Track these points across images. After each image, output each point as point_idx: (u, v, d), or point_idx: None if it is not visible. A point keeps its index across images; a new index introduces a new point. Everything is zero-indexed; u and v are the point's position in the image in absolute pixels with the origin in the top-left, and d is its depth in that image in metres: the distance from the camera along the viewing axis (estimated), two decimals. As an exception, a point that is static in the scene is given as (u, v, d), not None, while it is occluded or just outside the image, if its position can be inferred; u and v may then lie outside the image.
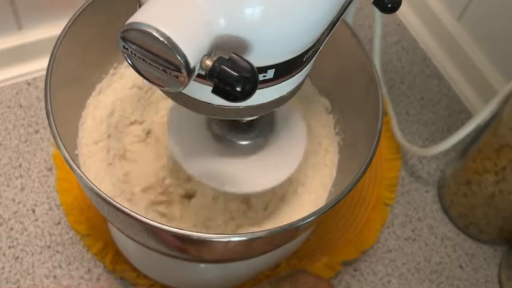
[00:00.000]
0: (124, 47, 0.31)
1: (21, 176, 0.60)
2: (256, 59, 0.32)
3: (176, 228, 0.38)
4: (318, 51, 0.37)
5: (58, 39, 0.45)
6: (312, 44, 0.35)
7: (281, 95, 0.37)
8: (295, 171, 0.50)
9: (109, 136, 0.51)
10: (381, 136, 0.45)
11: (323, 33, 0.35)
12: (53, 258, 0.56)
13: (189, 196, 0.50)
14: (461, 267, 0.61)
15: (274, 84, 0.35)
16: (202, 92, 0.35)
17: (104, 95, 0.53)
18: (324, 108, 0.55)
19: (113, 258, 0.56)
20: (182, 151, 0.47)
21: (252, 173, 0.47)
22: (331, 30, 0.37)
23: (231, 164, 0.47)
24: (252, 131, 0.48)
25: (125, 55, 0.31)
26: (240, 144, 0.47)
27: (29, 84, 0.66)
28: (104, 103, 0.52)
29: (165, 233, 0.40)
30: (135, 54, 0.31)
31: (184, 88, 0.31)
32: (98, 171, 0.50)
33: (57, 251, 0.57)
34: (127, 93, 0.54)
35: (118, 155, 0.51)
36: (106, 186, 0.49)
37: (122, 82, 0.54)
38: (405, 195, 0.65)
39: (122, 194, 0.49)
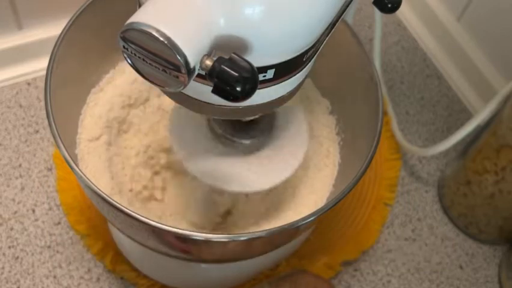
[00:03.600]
0: (124, 47, 0.31)
1: (21, 176, 0.60)
2: (256, 59, 0.32)
3: (176, 228, 0.38)
4: (318, 51, 0.37)
5: (58, 39, 0.45)
6: (312, 44, 0.35)
7: (281, 95, 0.37)
8: (296, 171, 0.50)
9: (108, 132, 0.51)
10: (381, 136, 0.45)
11: (323, 33, 0.35)
12: (53, 258, 0.56)
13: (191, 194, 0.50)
14: (461, 267, 0.61)
15: (274, 84, 0.35)
16: (202, 92, 0.35)
17: (104, 92, 0.53)
18: (325, 108, 0.55)
19: (113, 258, 0.56)
20: (184, 150, 0.47)
21: (253, 172, 0.47)
22: (331, 30, 0.37)
23: (232, 163, 0.47)
24: (253, 130, 0.48)
25: (125, 55, 0.31)
26: (241, 143, 0.47)
27: (29, 84, 0.66)
28: (104, 99, 0.53)
29: (165, 233, 0.40)
30: (135, 54, 0.31)
31: (184, 88, 0.31)
32: (96, 168, 0.50)
33: (57, 251, 0.57)
34: (127, 89, 0.54)
35: (117, 151, 0.51)
36: (104, 182, 0.49)
37: (122, 79, 0.54)
38: (405, 195, 0.65)
39: (121, 192, 0.49)
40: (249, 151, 0.48)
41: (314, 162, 0.53)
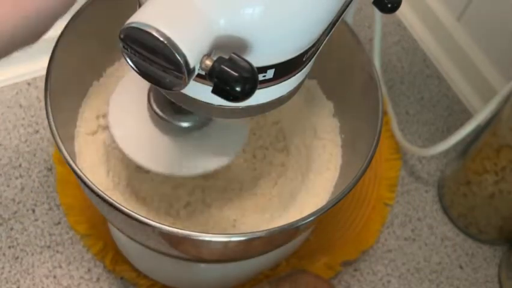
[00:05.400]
0: (123, 46, 0.31)
1: (21, 176, 0.60)
2: (256, 59, 0.32)
3: (175, 228, 0.38)
4: (318, 51, 0.37)
5: (58, 39, 0.45)
6: (311, 44, 0.35)
7: (281, 94, 0.37)
8: (295, 171, 0.50)
9: (106, 127, 0.51)
10: (381, 136, 0.45)
11: (323, 33, 0.35)
12: (53, 258, 0.56)
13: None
14: (461, 267, 0.61)
15: (274, 84, 0.35)
16: (202, 92, 0.35)
17: (104, 86, 0.53)
18: (329, 111, 0.55)
19: (113, 258, 0.56)
20: (127, 140, 0.46)
21: (199, 153, 0.46)
22: (331, 30, 0.37)
23: (176, 147, 0.46)
24: (191, 114, 0.46)
25: (125, 55, 0.31)
26: (185, 127, 0.46)
27: (29, 84, 0.66)
28: (104, 93, 0.52)
29: (164, 233, 0.40)
30: (135, 54, 0.31)
31: (184, 88, 0.31)
32: (94, 163, 0.49)
33: (57, 251, 0.57)
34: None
35: (115, 146, 0.51)
36: (102, 178, 0.49)
37: (123, 73, 0.54)
38: (405, 195, 0.65)
39: (118, 188, 0.49)
40: (194, 133, 0.46)
41: (317, 165, 0.53)
